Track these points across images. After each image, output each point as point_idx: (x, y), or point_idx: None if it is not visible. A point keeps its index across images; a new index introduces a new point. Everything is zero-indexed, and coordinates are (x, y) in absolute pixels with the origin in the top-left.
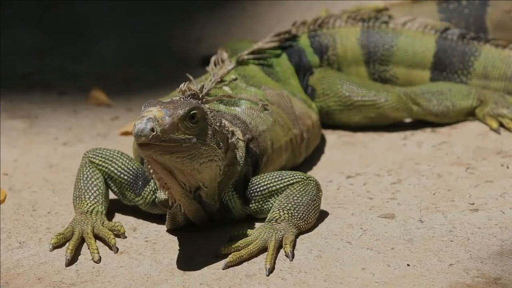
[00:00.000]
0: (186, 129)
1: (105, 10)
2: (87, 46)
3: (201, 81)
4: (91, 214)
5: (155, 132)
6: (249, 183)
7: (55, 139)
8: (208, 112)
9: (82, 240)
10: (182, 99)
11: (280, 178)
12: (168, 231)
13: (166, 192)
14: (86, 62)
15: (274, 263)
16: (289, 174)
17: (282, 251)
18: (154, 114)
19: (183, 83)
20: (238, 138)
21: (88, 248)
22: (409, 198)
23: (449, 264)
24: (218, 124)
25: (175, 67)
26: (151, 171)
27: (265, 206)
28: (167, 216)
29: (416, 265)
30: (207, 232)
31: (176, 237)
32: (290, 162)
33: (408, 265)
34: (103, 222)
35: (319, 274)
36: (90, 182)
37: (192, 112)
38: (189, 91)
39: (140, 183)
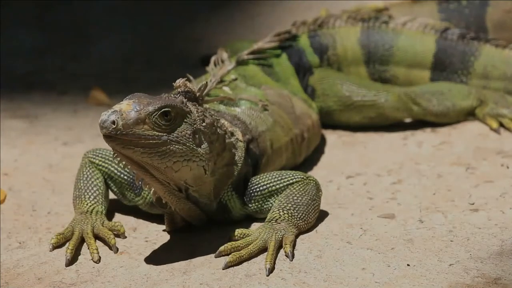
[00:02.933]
0: (156, 126)
1: (105, 10)
2: (87, 46)
3: (201, 81)
4: (91, 214)
5: (115, 125)
6: (249, 183)
7: (55, 139)
8: (195, 112)
9: (82, 240)
10: (172, 95)
11: (279, 178)
12: (168, 232)
13: (147, 188)
14: (86, 62)
15: (274, 263)
16: (288, 174)
17: (282, 251)
18: (121, 107)
19: (180, 78)
20: (237, 139)
21: (88, 248)
22: (409, 198)
23: (449, 264)
24: (204, 124)
25: (175, 67)
26: (122, 164)
27: (265, 206)
28: (165, 217)
29: (416, 265)
30: (206, 232)
31: (176, 237)
32: (291, 162)
33: (408, 265)
34: (103, 222)
35: (319, 274)
36: (90, 182)
37: (164, 110)
38: (184, 87)
39: (140, 183)
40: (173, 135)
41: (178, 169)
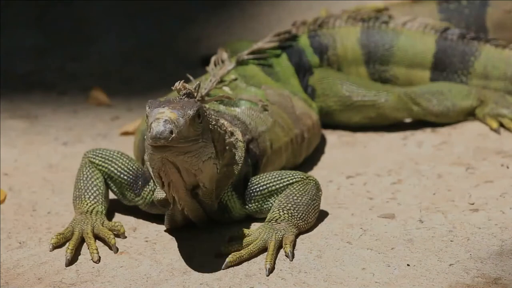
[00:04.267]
0: (194, 129)
1: (105, 10)
2: (87, 46)
3: (201, 81)
4: (91, 214)
5: (174, 134)
6: (249, 183)
7: (55, 139)
8: (206, 110)
9: (82, 240)
10: (181, 98)
11: (279, 178)
12: (167, 231)
13: (173, 192)
14: (86, 62)
15: (274, 263)
16: (288, 173)
17: (282, 251)
18: (169, 116)
19: (178, 81)
20: (237, 139)
21: (88, 248)
22: (409, 198)
23: (449, 264)
24: (213, 122)
25: (175, 67)
26: (163, 173)
27: (264, 206)
28: (165, 216)
29: (416, 265)
30: (207, 232)
31: (176, 237)
32: (291, 162)
33: (408, 265)
34: (103, 222)
35: (319, 274)
36: (90, 182)
37: (198, 112)
38: (184, 89)
39: (140, 183)
40: (203, 136)
41: (204, 169)
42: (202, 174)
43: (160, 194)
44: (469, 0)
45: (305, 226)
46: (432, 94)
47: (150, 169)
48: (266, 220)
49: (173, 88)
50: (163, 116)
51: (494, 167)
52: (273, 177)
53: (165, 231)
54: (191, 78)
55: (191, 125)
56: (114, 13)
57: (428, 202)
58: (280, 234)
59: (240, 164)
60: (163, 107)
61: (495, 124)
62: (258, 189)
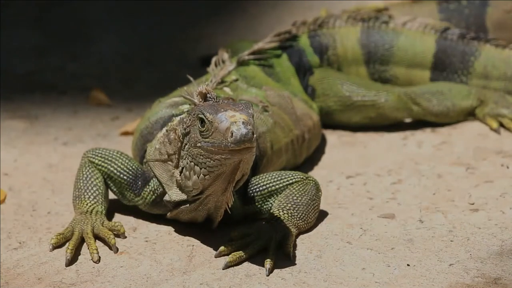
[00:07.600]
0: None
1: (105, 10)
2: (87, 46)
3: (201, 81)
4: (90, 214)
5: (254, 135)
6: (249, 184)
7: (55, 139)
8: None
9: (82, 240)
10: (223, 100)
11: (279, 178)
12: (168, 220)
13: (207, 193)
14: (86, 62)
15: (274, 263)
16: (288, 174)
17: (282, 251)
18: (243, 118)
19: (201, 86)
20: None
21: (88, 248)
22: (409, 198)
23: (449, 264)
24: None
25: (175, 67)
26: (229, 176)
27: (264, 206)
28: (179, 213)
29: (416, 265)
30: (207, 232)
31: (176, 237)
32: (291, 163)
33: (408, 265)
34: (103, 222)
35: (319, 274)
36: (90, 182)
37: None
38: (207, 91)
39: (139, 183)
40: None
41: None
42: (249, 167)
43: (176, 196)
44: (469, 0)
45: (305, 226)
46: (432, 94)
47: (196, 177)
48: (266, 220)
49: (201, 91)
50: (239, 119)
51: (494, 167)
52: (273, 177)
53: (166, 219)
54: (191, 79)
55: None
56: (114, 13)
57: (428, 202)
58: (280, 234)
59: None
60: (230, 110)
61: (495, 124)
62: (258, 190)
